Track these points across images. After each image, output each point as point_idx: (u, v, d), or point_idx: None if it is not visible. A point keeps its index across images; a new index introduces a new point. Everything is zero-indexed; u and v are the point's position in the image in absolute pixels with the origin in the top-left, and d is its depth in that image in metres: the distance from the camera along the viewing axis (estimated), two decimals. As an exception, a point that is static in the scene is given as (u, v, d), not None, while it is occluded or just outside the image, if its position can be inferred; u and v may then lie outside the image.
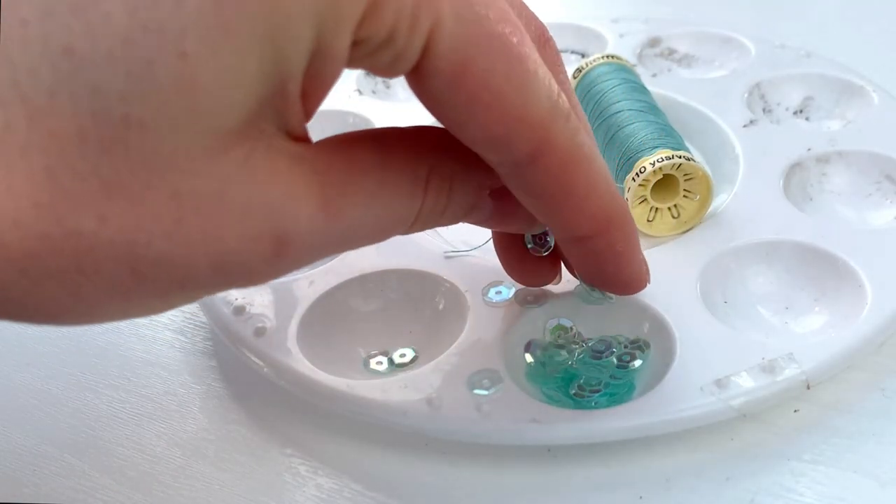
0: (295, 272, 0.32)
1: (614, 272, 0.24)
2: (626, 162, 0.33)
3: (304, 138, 0.19)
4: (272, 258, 0.18)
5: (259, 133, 0.17)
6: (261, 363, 0.28)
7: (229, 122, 0.16)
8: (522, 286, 0.29)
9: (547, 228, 0.26)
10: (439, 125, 0.21)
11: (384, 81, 0.45)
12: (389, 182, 0.20)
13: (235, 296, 0.31)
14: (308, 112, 0.19)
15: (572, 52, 0.47)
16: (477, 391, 0.26)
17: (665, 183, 0.32)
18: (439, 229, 0.34)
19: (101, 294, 0.17)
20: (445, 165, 0.21)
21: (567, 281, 0.29)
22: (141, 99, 0.15)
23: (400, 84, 0.45)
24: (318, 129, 0.19)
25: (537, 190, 0.21)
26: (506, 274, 0.28)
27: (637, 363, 0.26)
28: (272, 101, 0.17)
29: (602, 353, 0.27)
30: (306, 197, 0.18)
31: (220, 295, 0.31)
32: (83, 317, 0.18)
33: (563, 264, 0.28)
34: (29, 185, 0.15)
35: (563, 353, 0.27)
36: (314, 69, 0.17)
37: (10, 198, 0.15)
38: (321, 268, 0.31)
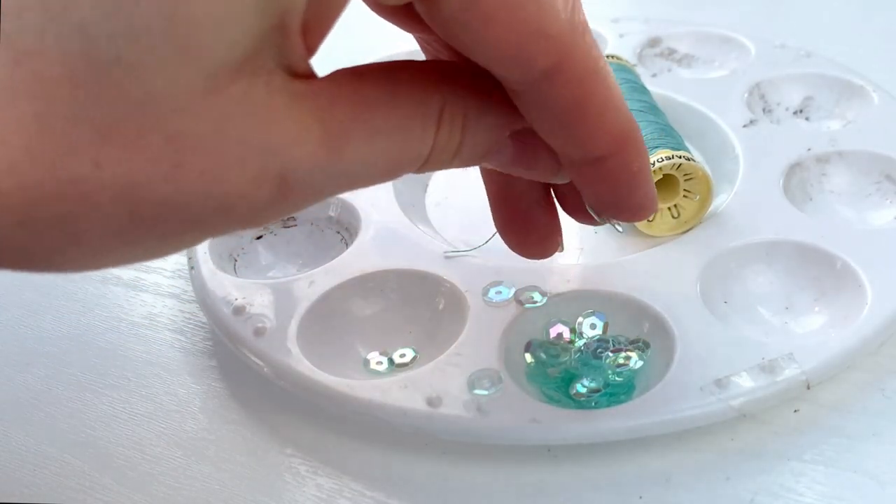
0: (295, 272, 0.33)
1: (628, 194, 0.23)
2: (626, 162, 0.33)
3: (307, 74, 0.18)
4: (276, 199, 0.18)
5: (257, 69, 0.17)
6: (261, 363, 0.28)
7: (226, 60, 0.16)
8: (522, 286, 0.29)
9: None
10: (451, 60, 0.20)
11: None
12: (398, 116, 0.19)
13: (235, 296, 0.31)
14: (311, 47, 0.18)
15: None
16: (477, 391, 0.26)
17: (665, 183, 0.32)
18: (439, 229, 0.35)
19: (102, 240, 0.16)
20: (460, 99, 0.20)
21: (568, 280, 0.29)
22: (131, 38, 0.15)
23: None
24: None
25: (555, 107, 0.20)
26: (505, 273, 0.28)
27: (637, 363, 0.26)
28: (270, 37, 0.17)
29: (602, 352, 0.27)
30: (306, 135, 0.17)
31: (220, 295, 0.31)
32: (87, 263, 0.18)
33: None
34: (19, 131, 0.15)
35: (563, 353, 0.27)
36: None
37: (1, 146, 0.15)
38: (321, 268, 0.32)
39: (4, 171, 0.15)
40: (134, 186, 0.16)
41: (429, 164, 0.20)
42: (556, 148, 0.21)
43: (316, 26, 0.18)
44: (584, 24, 0.19)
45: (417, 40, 0.24)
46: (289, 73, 0.18)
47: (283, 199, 0.18)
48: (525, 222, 0.26)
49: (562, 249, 0.27)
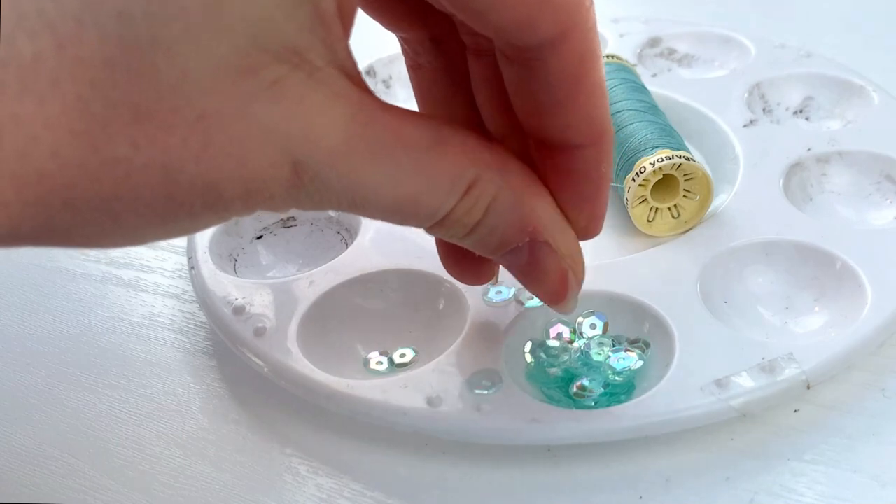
0: (295, 272, 0.33)
1: (591, 196, 0.23)
2: (626, 162, 0.33)
3: (355, 76, 0.19)
4: (289, 187, 0.18)
5: (301, 62, 0.17)
6: (261, 363, 0.28)
7: (259, 41, 0.16)
8: (522, 287, 0.29)
9: None
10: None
11: (384, 82, 0.45)
12: (427, 168, 0.19)
13: (235, 296, 0.31)
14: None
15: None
16: (477, 391, 0.26)
17: (665, 183, 0.32)
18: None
19: (140, 219, 0.17)
20: (495, 183, 0.21)
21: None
22: (166, 21, 0.15)
23: (400, 84, 0.45)
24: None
25: (553, 80, 0.20)
26: (506, 273, 0.28)
27: (637, 363, 0.26)
28: (316, 30, 0.17)
29: (602, 352, 0.27)
30: (329, 135, 0.18)
31: (220, 295, 0.31)
32: (124, 241, 0.18)
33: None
34: (63, 114, 0.15)
35: (563, 353, 0.27)
36: None
37: (47, 128, 0.15)
38: (321, 268, 0.32)
39: (49, 153, 0.15)
40: (167, 166, 0.16)
41: (440, 227, 0.21)
42: (539, 129, 0.22)
43: (343, 15, 0.18)
44: (591, 1, 0.20)
45: (401, 42, 0.24)
46: (341, 72, 0.18)
47: (294, 189, 0.18)
48: (465, 259, 0.26)
49: (495, 281, 0.27)
